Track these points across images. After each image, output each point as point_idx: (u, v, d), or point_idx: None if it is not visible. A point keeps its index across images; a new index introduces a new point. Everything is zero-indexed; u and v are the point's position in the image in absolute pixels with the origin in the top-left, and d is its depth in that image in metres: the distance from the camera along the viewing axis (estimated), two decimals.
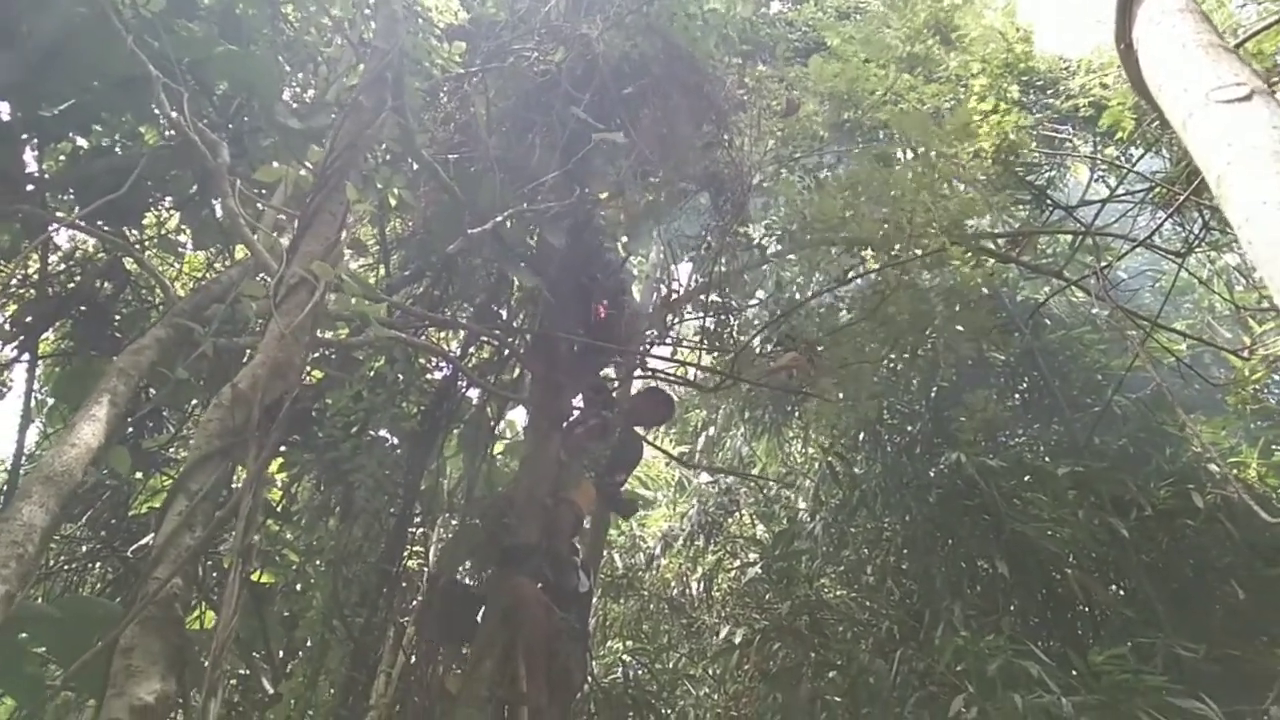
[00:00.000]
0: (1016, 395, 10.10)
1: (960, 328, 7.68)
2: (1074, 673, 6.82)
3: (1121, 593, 8.65)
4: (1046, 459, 8.98)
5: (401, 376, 7.27)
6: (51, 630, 3.11)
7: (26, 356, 5.79)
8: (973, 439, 8.66)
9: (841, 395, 7.28)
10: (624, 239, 8.12)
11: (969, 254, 6.37)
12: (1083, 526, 7.97)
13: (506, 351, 8.25)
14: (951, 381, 9.37)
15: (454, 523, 8.44)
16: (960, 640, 7.05)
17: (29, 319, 5.84)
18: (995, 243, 8.53)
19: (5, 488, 6.14)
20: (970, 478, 8.38)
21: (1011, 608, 8.69)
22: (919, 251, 5.82)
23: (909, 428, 9.69)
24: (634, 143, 6.80)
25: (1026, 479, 8.78)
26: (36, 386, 6.89)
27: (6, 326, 6.19)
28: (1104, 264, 7.91)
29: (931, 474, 9.00)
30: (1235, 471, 7.95)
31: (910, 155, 6.61)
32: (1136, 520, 7.97)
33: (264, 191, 5.54)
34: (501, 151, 6.42)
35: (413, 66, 4.93)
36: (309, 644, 7.26)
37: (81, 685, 3.79)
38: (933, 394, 9.52)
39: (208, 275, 7.57)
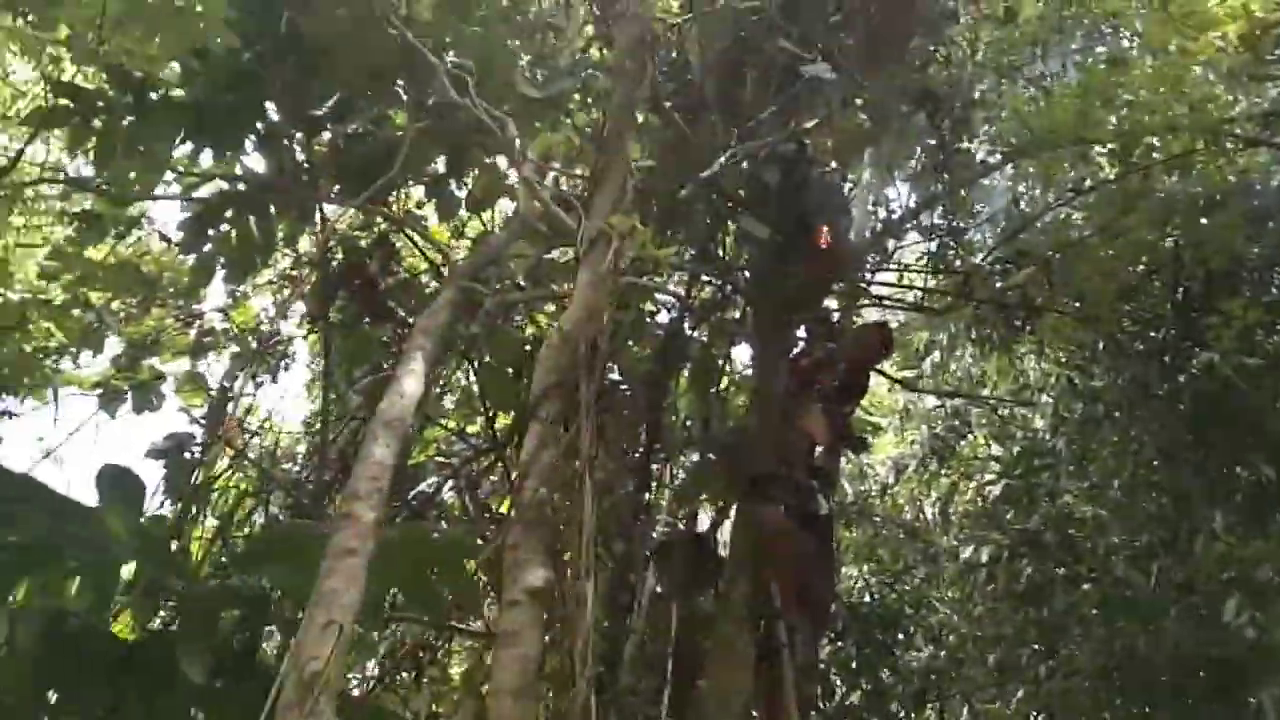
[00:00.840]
0: (1274, 288, 9.36)
1: (1206, 223, 7.23)
2: None
3: None
4: None
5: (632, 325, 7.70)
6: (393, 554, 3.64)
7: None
8: (1227, 339, 8.15)
9: (1079, 307, 7.04)
10: (834, 165, 8.11)
11: (1214, 148, 5.99)
12: None
13: (729, 290, 8.49)
14: (1200, 280, 8.80)
15: (694, 458, 8.81)
16: (1224, 547, 6.78)
17: (317, 298, 6.62)
18: (1243, 127, 7.90)
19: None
20: (1226, 380, 7.91)
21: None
22: (1159, 156, 5.54)
23: (1154, 334, 9.19)
24: (843, 70, 6.79)
25: None
26: (320, 354, 7.83)
27: (302, 306, 7.01)
28: None
29: (1181, 380, 8.54)
30: None
31: (1145, 54, 6.23)
32: None
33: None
34: (716, 94, 6.60)
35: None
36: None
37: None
38: (1179, 296, 8.98)
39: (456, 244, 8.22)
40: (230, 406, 7.56)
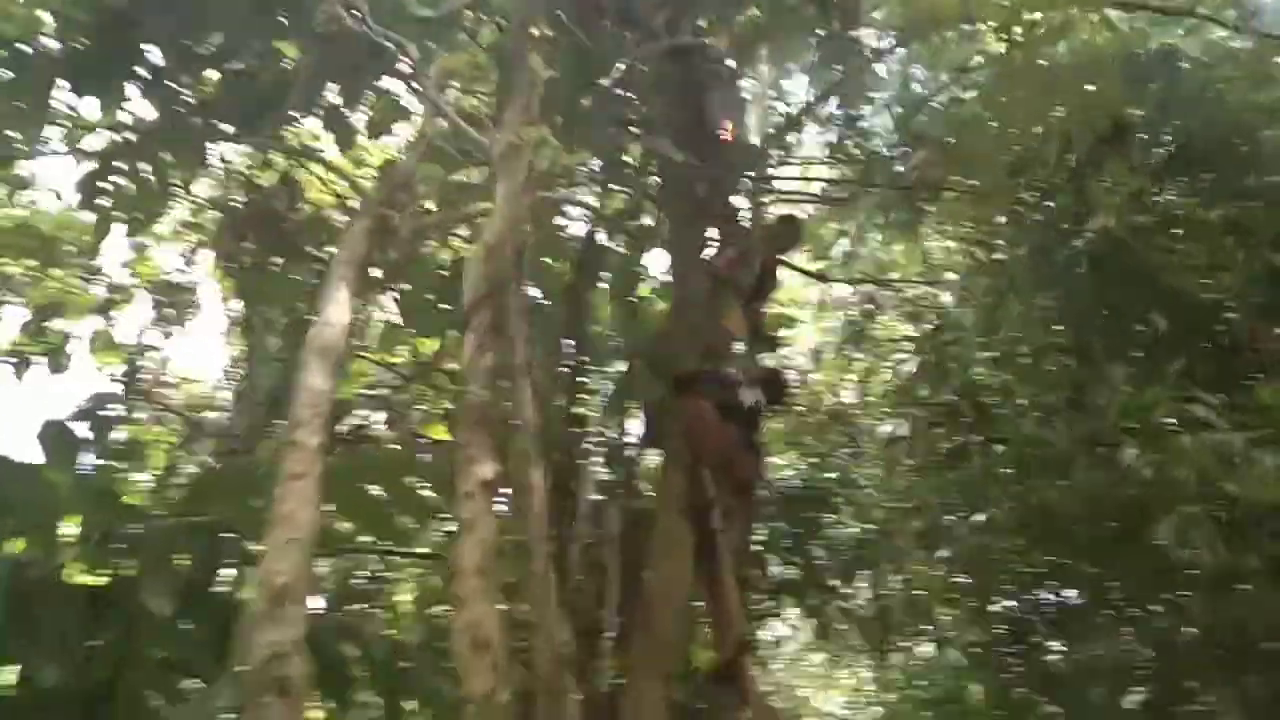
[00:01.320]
0: (1160, 149, 9.75)
1: (1089, 90, 7.49)
2: (1246, 416, 6.91)
3: None
4: (1199, 207, 8.73)
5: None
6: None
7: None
8: (1119, 199, 8.49)
9: (976, 183, 7.29)
10: (732, 63, 8.16)
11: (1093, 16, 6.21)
12: (1242, 270, 7.84)
13: (640, 197, 8.57)
14: (1090, 146, 9.12)
15: (620, 365, 8.98)
16: (1123, 398, 7.20)
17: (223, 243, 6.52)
18: None
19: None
20: (1119, 240, 8.28)
21: (1175, 365, 8.71)
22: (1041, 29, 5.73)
23: (1050, 204, 9.53)
24: None
25: (1178, 232, 8.60)
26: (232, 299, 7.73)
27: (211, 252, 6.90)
28: None
29: (1079, 244, 8.90)
30: None
31: None
32: None
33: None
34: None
35: None
36: None
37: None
38: (1071, 163, 9.30)
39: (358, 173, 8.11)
40: (146, 361, 7.44)
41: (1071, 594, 9.18)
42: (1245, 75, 8.89)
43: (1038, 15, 6.55)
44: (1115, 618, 8.73)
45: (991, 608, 9.59)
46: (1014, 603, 9.46)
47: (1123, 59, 8.54)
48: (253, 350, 7.00)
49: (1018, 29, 6.21)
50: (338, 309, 3.65)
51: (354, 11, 4.58)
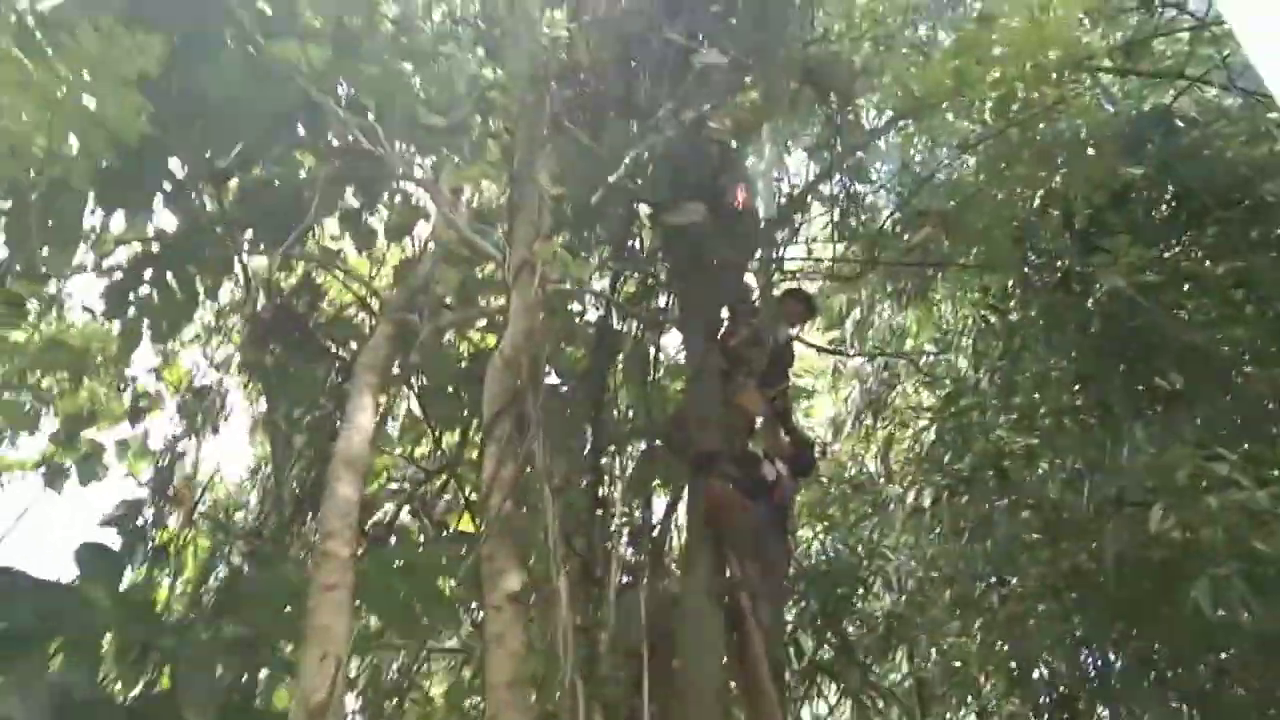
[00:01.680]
0: (1164, 206, 9.86)
1: (1089, 155, 7.64)
2: (1274, 472, 6.87)
3: None
4: (1206, 263, 8.80)
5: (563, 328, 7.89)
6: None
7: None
8: (1126, 259, 8.58)
9: (982, 253, 7.41)
10: (734, 144, 8.36)
11: (1085, 83, 6.38)
12: (1253, 323, 7.87)
13: (652, 280, 8.73)
14: (1094, 207, 9.25)
15: (641, 446, 9.03)
16: (1145, 458, 7.19)
17: (249, 345, 6.69)
18: (1110, 58, 8.35)
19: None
20: (1129, 299, 8.34)
21: (1197, 420, 8.68)
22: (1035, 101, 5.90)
23: (1058, 264, 9.63)
24: (730, 53, 7.05)
25: (1187, 287, 8.66)
26: (258, 400, 7.88)
27: (236, 359, 7.07)
28: (1225, 53, 7.68)
29: (1089, 304, 8.97)
30: None
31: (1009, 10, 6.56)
32: None
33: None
34: (614, 95, 6.81)
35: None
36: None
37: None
38: (1076, 225, 9.42)
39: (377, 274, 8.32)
40: (176, 466, 7.56)
41: (1112, 658, 9.02)
42: (1240, 132, 9.03)
43: (1030, 89, 6.70)
44: (1159, 681, 8.55)
45: (1032, 675, 9.43)
46: (1055, 669, 9.31)
47: (1119, 121, 8.73)
48: (277, 450, 7.12)
49: (1014, 104, 6.37)
50: (363, 416, 3.76)
51: (365, 125, 4.76)
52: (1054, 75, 6.39)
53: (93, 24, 5.08)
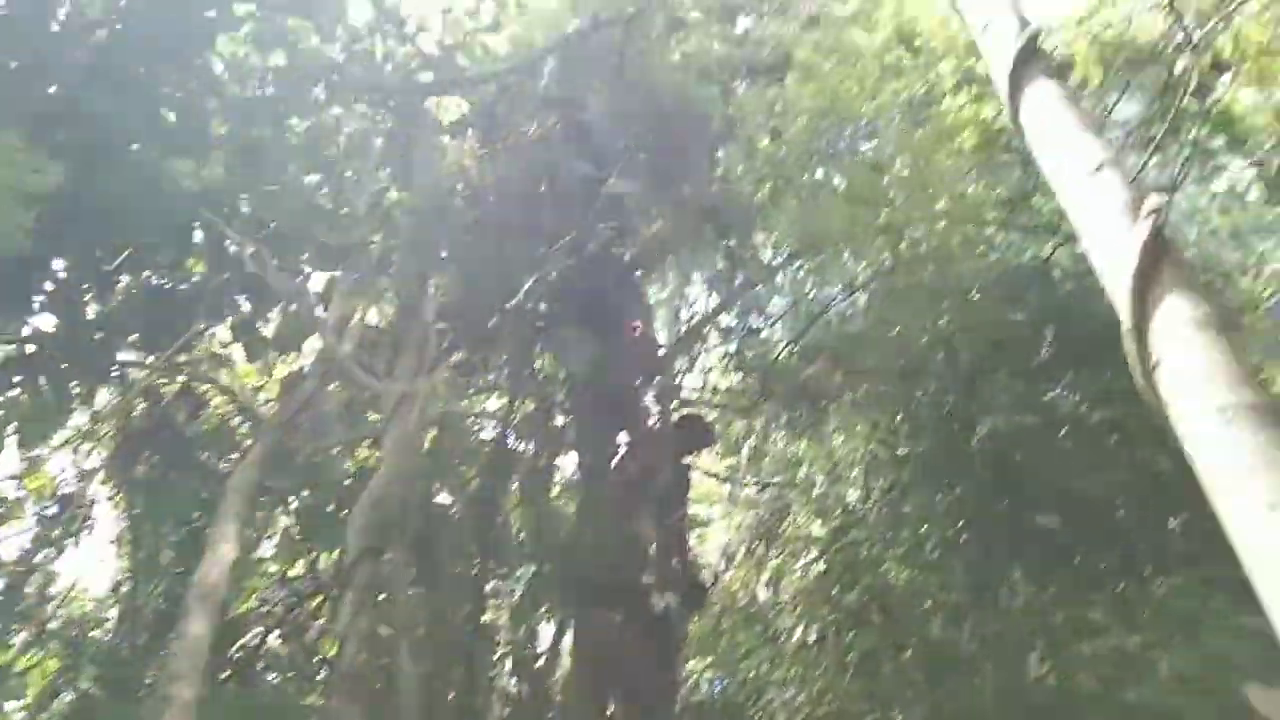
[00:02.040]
0: (1043, 351, 10.30)
1: (972, 300, 7.98)
2: (1145, 613, 7.04)
3: (1177, 527, 8.81)
4: (1082, 408, 9.16)
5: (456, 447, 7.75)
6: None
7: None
8: (1006, 402, 8.89)
9: (870, 390, 7.62)
10: (637, 273, 8.53)
11: (969, 236, 6.73)
12: (1127, 468, 8.17)
13: (550, 402, 8.70)
14: (976, 349, 9.60)
15: (529, 570, 8.83)
16: (1023, 599, 7.31)
17: (120, 455, 6.37)
18: (991, 212, 8.83)
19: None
20: (1010, 440, 8.61)
21: (1074, 559, 8.90)
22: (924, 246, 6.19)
23: (944, 400, 9.91)
24: (634, 187, 7.26)
25: (1064, 431, 8.98)
26: (126, 512, 7.47)
27: (104, 465, 6.72)
28: None
29: (973, 442, 9.22)
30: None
31: (898, 160, 6.95)
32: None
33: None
34: (518, 218, 6.91)
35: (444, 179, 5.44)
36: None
37: None
38: (960, 364, 9.75)
39: (262, 386, 8.08)
40: (29, 579, 7.06)
41: None
42: None
43: (919, 235, 7.03)
44: None
45: None
46: None
47: (1002, 269, 9.19)
48: (140, 566, 6.69)
49: (902, 245, 6.67)
50: (225, 546, 3.58)
51: (256, 251, 4.69)
52: (940, 224, 6.71)
53: None
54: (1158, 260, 1.79)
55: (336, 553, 7.14)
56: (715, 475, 11.06)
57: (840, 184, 7.43)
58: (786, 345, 7.40)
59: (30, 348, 6.53)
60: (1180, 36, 7.05)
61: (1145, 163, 8.61)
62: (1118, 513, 8.45)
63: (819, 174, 7.87)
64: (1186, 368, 1.66)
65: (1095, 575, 8.64)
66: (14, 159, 4.14)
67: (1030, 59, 2.30)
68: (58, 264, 6.43)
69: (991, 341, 9.40)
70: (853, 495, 10.75)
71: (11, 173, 4.10)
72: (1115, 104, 8.48)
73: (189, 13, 5.80)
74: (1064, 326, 9.56)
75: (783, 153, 7.52)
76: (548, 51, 6.60)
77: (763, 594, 11.62)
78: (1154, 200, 1.89)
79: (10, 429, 6.46)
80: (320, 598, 7.47)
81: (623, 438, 8.24)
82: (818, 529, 11.06)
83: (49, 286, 6.43)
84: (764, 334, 8.67)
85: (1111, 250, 1.93)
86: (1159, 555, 8.53)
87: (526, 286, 6.16)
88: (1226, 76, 7.09)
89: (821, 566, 9.82)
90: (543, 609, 8.74)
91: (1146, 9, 7.25)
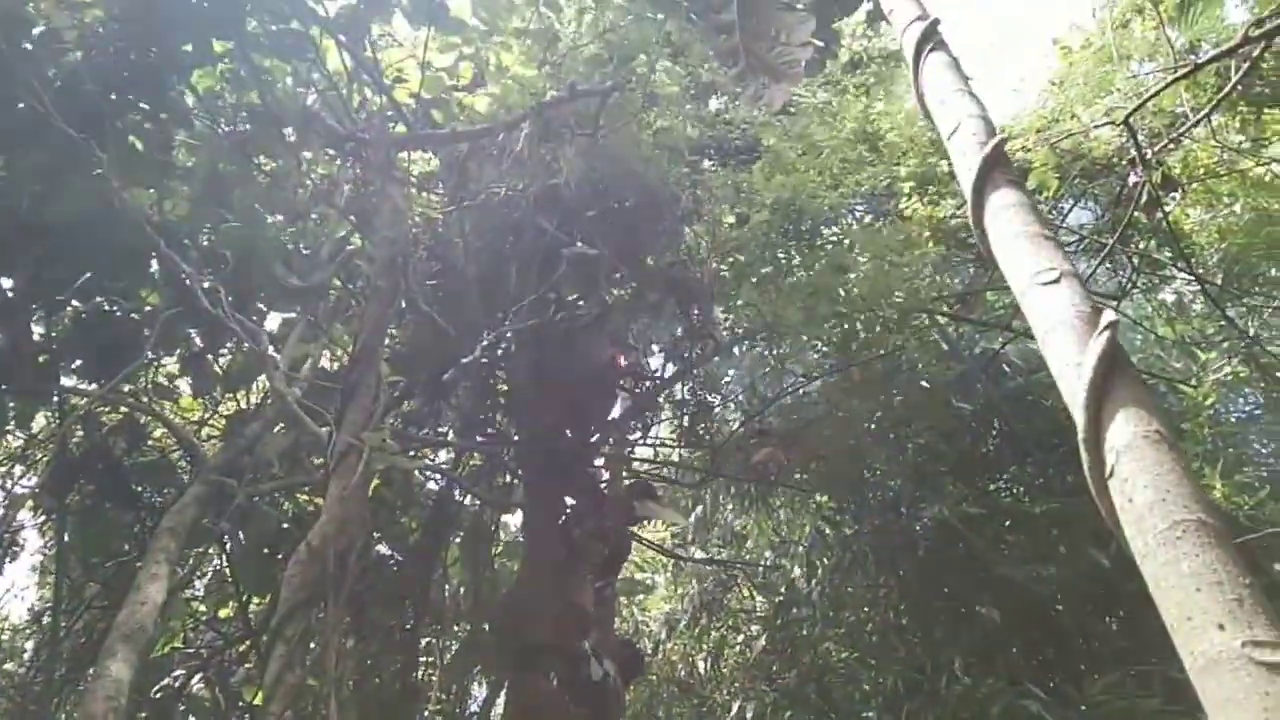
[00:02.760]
0: (989, 443, 10.48)
1: (925, 385, 8.11)
2: (1081, 708, 7.07)
3: (1114, 624, 8.90)
4: (1025, 500, 9.28)
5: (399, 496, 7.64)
6: None
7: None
8: (951, 490, 9.01)
9: (817, 474, 7.69)
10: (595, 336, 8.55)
11: (924, 328, 6.89)
12: (1067, 562, 8.27)
13: (499, 458, 8.63)
14: (925, 437, 9.74)
15: (465, 628, 8.67)
16: (961, 689, 7.31)
17: (53, 482, 6.18)
18: (946, 305, 9.04)
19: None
20: (954, 528, 8.69)
21: (1013, 650, 8.93)
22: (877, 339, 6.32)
23: (891, 484, 10.01)
24: (601, 255, 7.33)
25: (1007, 523, 9.10)
26: (54, 540, 7.22)
27: (34, 492, 6.51)
28: None
29: (918, 528, 9.29)
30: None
31: (859, 256, 7.12)
32: (1117, 552, 8.25)
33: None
34: (481, 274, 6.92)
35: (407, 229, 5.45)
36: None
37: None
38: (909, 450, 9.87)
39: (208, 421, 7.93)
40: None
41: None
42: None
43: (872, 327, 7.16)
44: None
45: None
46: None
47: (951, 358, 9.38)
48: (62, 598, 6.46)
49: (854, 344, 6.80)
50: (154, 586, 3.46)
51: (210, 290, 4.64)
52: (895, 318, 6.86)
53: None
54: (1111, 374, 1.84)
55: (268, 598, 6.96)
56: (660, 549, 11.02)
57: (799, 271, 7.57)
58: (739, 426, 7.45)
59: None
60: (1133, 153, 7.35)
61: (1095, 269, 8.93)
62: (1057, 606, 8.52)
63: (780, 258, 8.01)
64: (1139, 482, 1.69)
65: (1033, 668, 8.68)
66: None
67: (996, 165, 2.38)
68: (6, 282, 6.30)
69: (939, 431, 9.54)
70: (797, 571, 10.75)
71: None
72: (1069, 211, 8.78)
73: (166, 44, 5.79)
74: (1010, 419, 9.75)
75: (746, 235, 7.67)
76: (523, 116, 6.68)
77: (702, 666, 11.52)
78: (1109, 315, 1.94)
79: None
80: (248, 643, 7.24)
81: (569, 500, 8.18)
82: (761, 603, 11.03)
83: None
84: (717, 410, 8.73)
85: (1067, 360, 1.97)
86: (1096, 651, 8.61)
87: (484, 342, 6.14)
88: (1175, 193, 7.39)
89: (762, 642, 9.75)
90: (476, 669, 8.55)
91: (1102, 124, 7.54)
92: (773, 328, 7.10)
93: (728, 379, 8.91)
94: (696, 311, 7.89)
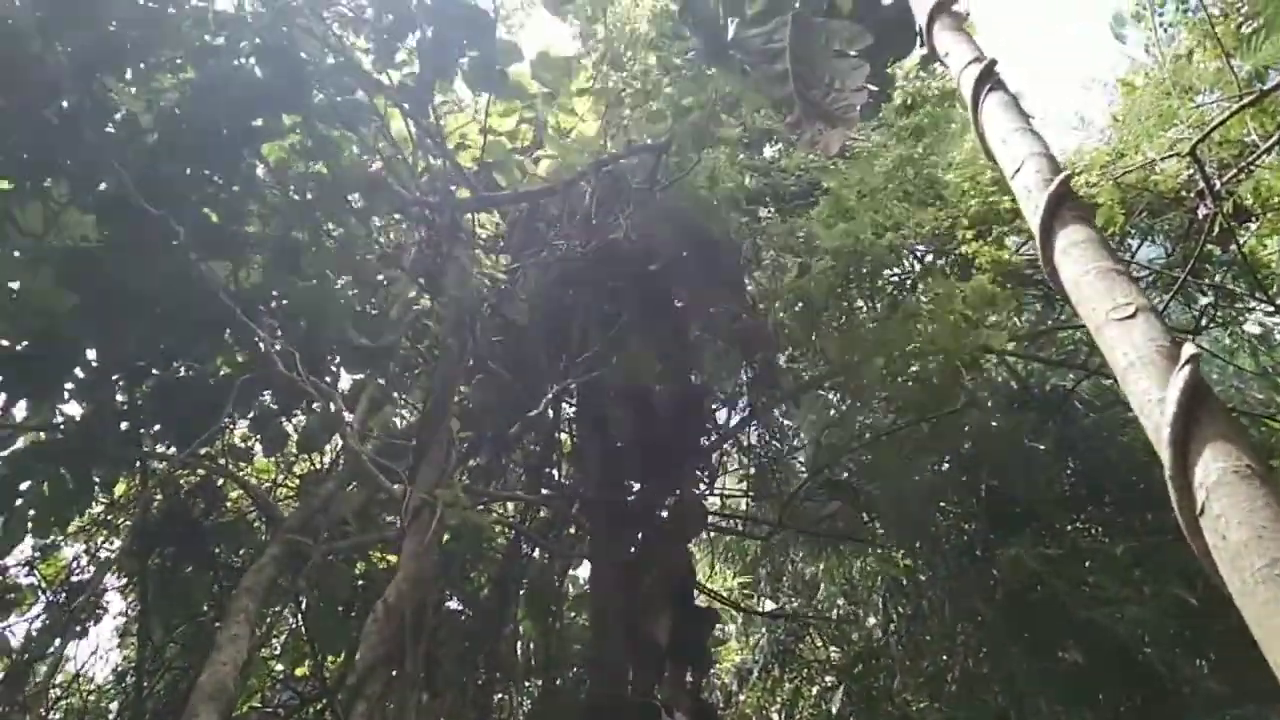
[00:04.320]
0: (1065, 483, 10.23)
1: (995, 425, 7.97)
2: None
3: (1206, 666, 8.57)
4: (1105, 540, 9.03)
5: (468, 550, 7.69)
6: None
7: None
8: (1027, 531, 8.79)
9: (888, 520, 7.57)
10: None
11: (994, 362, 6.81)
12: (1151, 603, 8.00)
13: (565, 510, 8.65)
14: (999, 478, 9.55)
15: (537, 683, 8.63)
16: None
17: (135, 546, 6.34)
18: (1015, 343, 8.89)
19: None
20: (1032, 570, 8.47)
21: (1099, 695, 8.63)
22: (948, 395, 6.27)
23: (965, 527, 9.81)
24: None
25: (1087, 564, 8.84)
26: (136, 603, 7.39)
27: (117, 556, 6.68)
28: None
29: (994, 571, 9.08)
30: None
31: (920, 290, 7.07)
32: (1205, 590, 7.97)
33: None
34: (545, 330, 7.02)
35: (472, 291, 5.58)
36: None
37: None
38: (982, 492, 9.68)
39: (281, 483, 8.09)
40: (34, 668, 6.95)
41: None
42: (1135, 418, 9.51)
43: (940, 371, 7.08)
44: None
45: None
46: None
47: (1022, 398, 9.22)
48: (145, 659, 6.60)
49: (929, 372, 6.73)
50: (235, 647, 3.53)
51: (284, 352, 4.77)
52: (967, 360, 6.78)
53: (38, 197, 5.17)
54: (1196, 408, 1.80)
55: (342, 656, 7.03)
56: (729, 603, 10.90)
57: (864, 318, 7.51)
58: (807, 480, 7.38)
59: (57, 436, 6.58)
60: (1201, 184, 7.22)
61: (1167, 303, 8.74)
62: (1145, 649, 8.23)
63: (843, 303, 7.96)
64: (1233, 519, 1.64)
65: (1122, 714, 8.37)
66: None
67: (1063, 202, 2.36)
68: (90, 354, 6.53)
69: (1012, 472, 9.34)
70: (871, 621, 10.54)
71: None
72: (1137, 249, 8.64)
73: (236, 120, 6.03)
74: (1085, 458, 9.52)
75: (809, 284, 7.64)
76: (583, 175, 6.81)
77: (776, 718, 11.30)
78: (1190, 348, 1.90)
79: (29, 516, 6.44)
80: (323, 702, 7.30)
81: (636, 551, 8.15)
82: (835, 653, 10.82)
83: (79, 374, 6.51)
84: (785, 459, 8.67)
85: (1149, 396, 1.93)
86: (1188, 695, 8.27)
87: (548, 395, 6.20)
88: (1249, 223, 7.22)
89: (839, 695, 9.55)
90: None
91: (1168, 155, 7.43)
92: (840, 375, 7.05)
93: (794, 426, 8.85)
94: (761, 359, 7.87)
